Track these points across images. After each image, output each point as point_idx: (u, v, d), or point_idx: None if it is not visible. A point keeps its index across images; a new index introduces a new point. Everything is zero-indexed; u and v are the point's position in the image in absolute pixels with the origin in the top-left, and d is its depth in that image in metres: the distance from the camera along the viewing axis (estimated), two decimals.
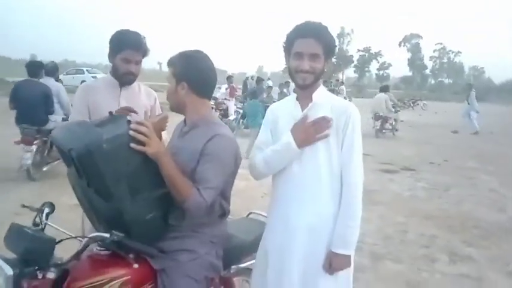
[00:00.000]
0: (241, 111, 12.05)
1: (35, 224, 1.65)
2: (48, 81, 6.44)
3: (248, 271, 2.16)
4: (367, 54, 68.50)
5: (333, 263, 1.84)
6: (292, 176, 1.93)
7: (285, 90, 13.90)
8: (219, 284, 2.11)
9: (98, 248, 1.68)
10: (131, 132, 1.66)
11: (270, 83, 16.56)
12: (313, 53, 1.82)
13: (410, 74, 74.73)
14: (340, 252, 1.84)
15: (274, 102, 12.76)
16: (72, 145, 1.56)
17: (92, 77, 30.39)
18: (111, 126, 1.67)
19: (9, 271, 1.43)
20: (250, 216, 2.61)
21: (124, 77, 2.46)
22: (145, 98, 2.62)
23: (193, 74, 1.83)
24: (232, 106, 12.91)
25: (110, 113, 1.85)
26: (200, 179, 1.74)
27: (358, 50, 67.85)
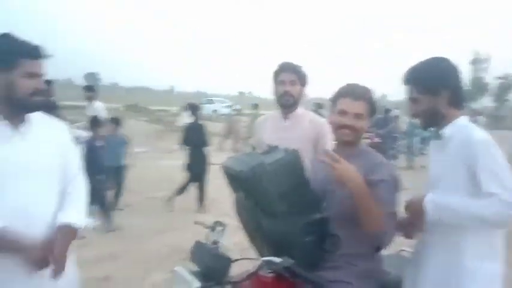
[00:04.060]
0: (367, 140, 11.73)
1: (213, 242, 1.83)
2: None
3: None
4: (507, 82, 61.28)
5: None
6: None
7: (413, 121, 13.16)
8: None
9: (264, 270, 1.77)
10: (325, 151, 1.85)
11: (396, 111, 15.87)
12: (410, 97, 1.92)
13: None
14: None
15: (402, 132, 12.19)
16: (241, 168, 1.77)
17: (224, 106, 32.95)
18: (271, 154, 1.86)
19: (196, 284, 1.60)
20: (401, 253, 2.51)
21: (281, 99, 2.61)
22: (309, 127, 2.63)
23: None
24: None
25: (268, 145, 2.06)
26: (383, 202, 1.78)
27: (499, 78, 61.05)
